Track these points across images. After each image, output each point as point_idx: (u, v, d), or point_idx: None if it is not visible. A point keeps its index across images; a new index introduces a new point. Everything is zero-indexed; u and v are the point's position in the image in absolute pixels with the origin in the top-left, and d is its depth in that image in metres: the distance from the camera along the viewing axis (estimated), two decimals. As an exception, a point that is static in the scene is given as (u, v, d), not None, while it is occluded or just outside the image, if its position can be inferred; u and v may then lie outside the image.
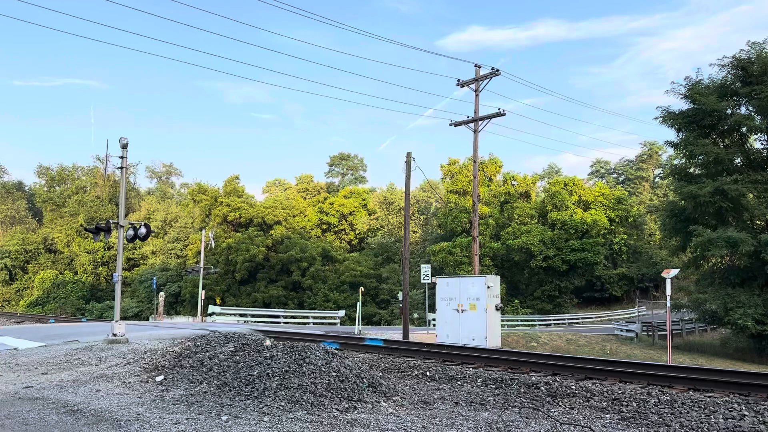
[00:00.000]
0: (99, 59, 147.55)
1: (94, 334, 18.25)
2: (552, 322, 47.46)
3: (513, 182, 62.13)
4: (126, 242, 16.78)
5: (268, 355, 9.94)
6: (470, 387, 10.40)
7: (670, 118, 33.87)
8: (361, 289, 30.25)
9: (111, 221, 16.70)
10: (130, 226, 16.73)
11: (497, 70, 26.42)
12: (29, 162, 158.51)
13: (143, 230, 16.57)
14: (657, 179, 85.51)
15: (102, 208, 70.16)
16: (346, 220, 69.80)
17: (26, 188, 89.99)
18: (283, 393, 8.36)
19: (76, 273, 68.63)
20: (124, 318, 19.69)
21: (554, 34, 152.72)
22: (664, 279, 21.41)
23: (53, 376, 10.67)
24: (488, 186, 59.74)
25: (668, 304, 21.67)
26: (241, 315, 39.77)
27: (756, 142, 35.54)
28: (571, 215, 56.20)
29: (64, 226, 71.05)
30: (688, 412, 7.96)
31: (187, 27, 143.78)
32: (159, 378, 10.08)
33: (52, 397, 8.70)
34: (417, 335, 26.30)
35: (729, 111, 32.64)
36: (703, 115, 32.29)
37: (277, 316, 40.29)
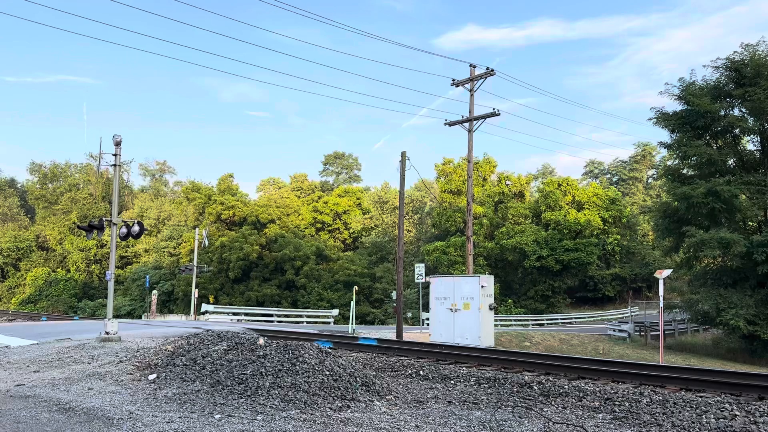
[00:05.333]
0: (92, 56, 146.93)
1: (87, 332, 18.16)
2: (545, 321, 47.60)
3: (507, 182, 62.23)
4: (119, 240, 16.72)
5: (261, 353, 9.92)
6: (463, 386, 10.40)
7: (664, 119, 33.99)
8: (355, 288, 30.18)
9: (104, 219, 16.62)
10: (123, 223, 16.67)
11: (492, 70, 26.52)
12: (22, 159, 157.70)
13: (136, 228, 16.52)
14: (650, 180, 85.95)
15: (95, 205, 69.83)
16: (341, 219, 69.77)
17: (19, 185, 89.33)
18: (277, 392, 8.35)
19: (68, 271, 68.25)
20: (116, 316, 19.63)
21: (550, 33, 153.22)
22: (657, 279, 21.51)
23: (45, 374, 10.61)
24: (482, 186, 59.82)
25: (661, 305, 21.78)
26: (234, 314, 39.68)
27: (749, 143, 35.78)
28: (565, 215, 56.34)
29: (57, 223, 70.66)
30: (680, 412, 7.99)
31: (181, 24, 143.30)
32: (152, 376, 10.05)
33: (44, 395, 8.65)
34: (411, 334, 26.32)
35: (722, 112, 32.78)
36: (696, 117, 32.42)
37: (271, 315, 40.23)
